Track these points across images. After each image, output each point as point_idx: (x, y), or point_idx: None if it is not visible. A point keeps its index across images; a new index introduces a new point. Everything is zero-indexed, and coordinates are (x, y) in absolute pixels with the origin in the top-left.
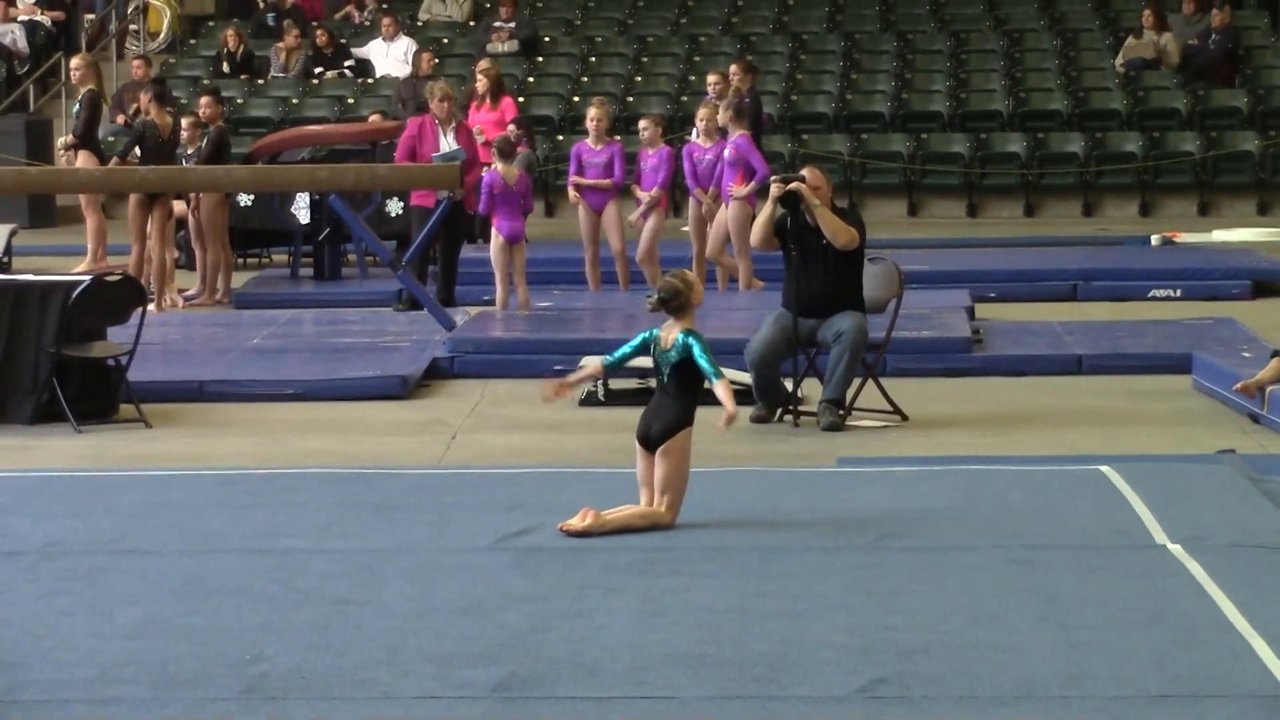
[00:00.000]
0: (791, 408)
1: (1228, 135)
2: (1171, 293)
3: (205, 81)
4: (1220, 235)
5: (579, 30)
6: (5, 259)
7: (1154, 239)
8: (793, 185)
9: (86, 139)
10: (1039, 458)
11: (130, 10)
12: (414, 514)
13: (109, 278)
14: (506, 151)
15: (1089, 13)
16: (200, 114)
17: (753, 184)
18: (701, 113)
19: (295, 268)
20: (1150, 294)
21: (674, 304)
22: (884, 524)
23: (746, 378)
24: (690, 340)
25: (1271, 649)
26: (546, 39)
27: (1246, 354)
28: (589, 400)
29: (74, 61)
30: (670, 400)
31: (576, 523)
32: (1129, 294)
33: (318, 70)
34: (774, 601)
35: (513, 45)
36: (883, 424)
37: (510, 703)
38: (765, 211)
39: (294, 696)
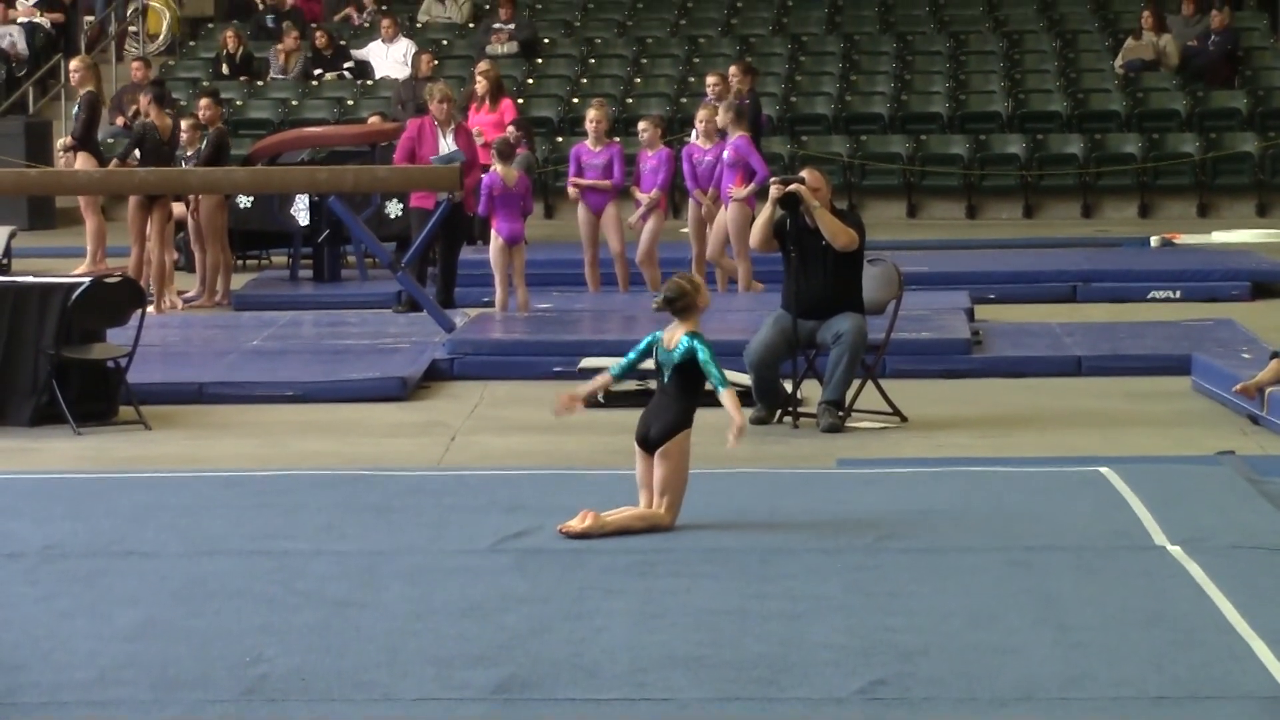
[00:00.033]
0: (791, 409)
1: (1227, 136)
2: (1171, 294)
3: (204, 83)
4: (1219, 237)
5: (578, 32)
6: (5, 261)
7: (1153, 240)
8: (792, 187)
9: (85, 141)
10: (1038, 459)
11: (129, 12)
12: (414, 516)
13: (108, 279)
14: (506, 153)
15: (1088, 14)
16: (200, 116)
17: (752, 185)
18: (701, 114)
19: (295, 269)
20: (1150, 295)
21: (679, 305)
22: (883, 525)
23: (746, 379)
24: (696, 344)
25: (1271, 650)
26: (546, 40)
27: (1246, 355)
28: (589, 402)
29: (73, 63)
30: (670, 401)
31: (576, 524)
32: (1128, 295)
33: (317, 72)
34: (773, 603)
35: (512, 47)
36: (882, 425)
37: (510, 704)
38: (765, 213)
39: (294, 698)
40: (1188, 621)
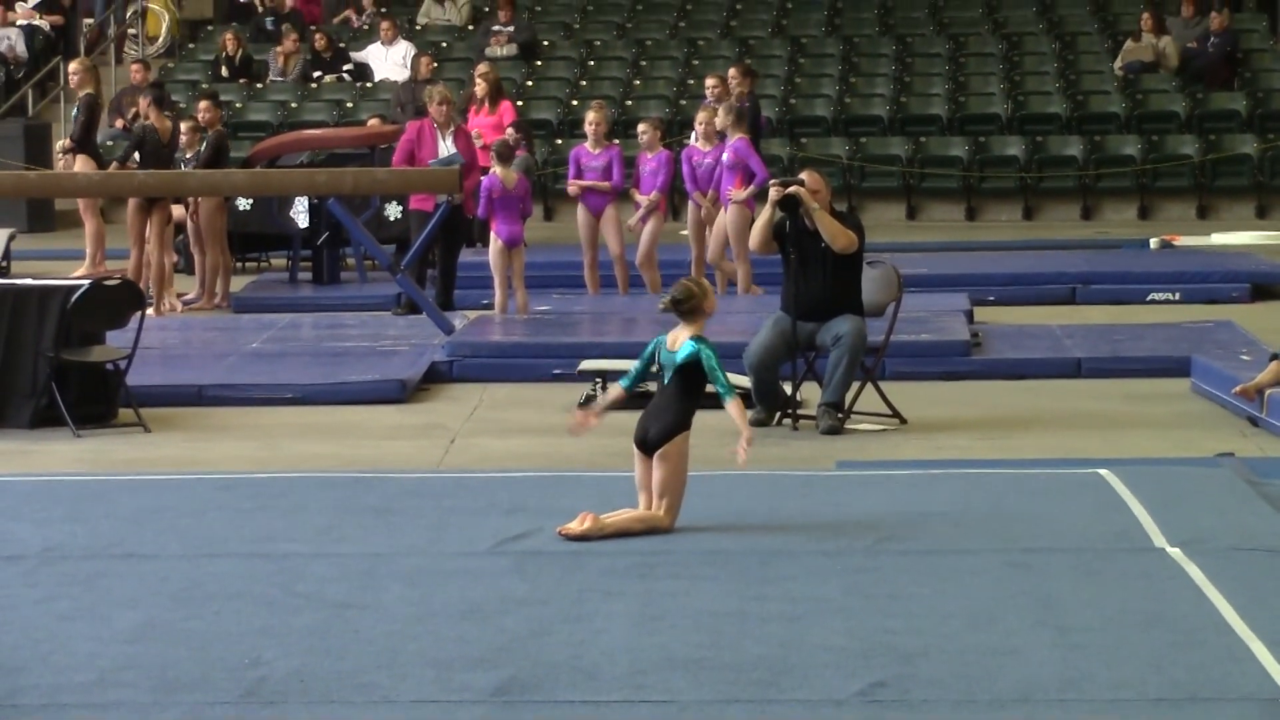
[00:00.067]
0: (790, 411)
1: (1226, 138)
2: (1170, 296)
3: (204, 85)
4: (1219, 238)
5: (577, 34)
6: (4, 263)
7: (1153, 242)
8: (791, 189)
9: (84, 143)
10: (1038, 461)
11: (129, 14)
12: (413, 518)
13: (108, 282)
14: (505, 155)
15: (1087, 16)
16: (199, 118)
17: (751, 187)
18: (700, 116)
19: (294, 272)
20: (1149, 297)
21: (685, 306)
22: (883, 527)
23: (745, 381)
24: (703, 350)
25: (1270, 652)
26: (545, 43)
27: (1245, 357)
28: (588, 404)
29: (72, 66)
30: (669, 403)
31: (575, 527)
32: (1128, 297)
33: (316, 74)
34: (773, 605)
35: (511, 49)
36: (882, 427)
37: (509, 706)
38: (764, 215)
39: (293, 700)
40: (1187, 623)
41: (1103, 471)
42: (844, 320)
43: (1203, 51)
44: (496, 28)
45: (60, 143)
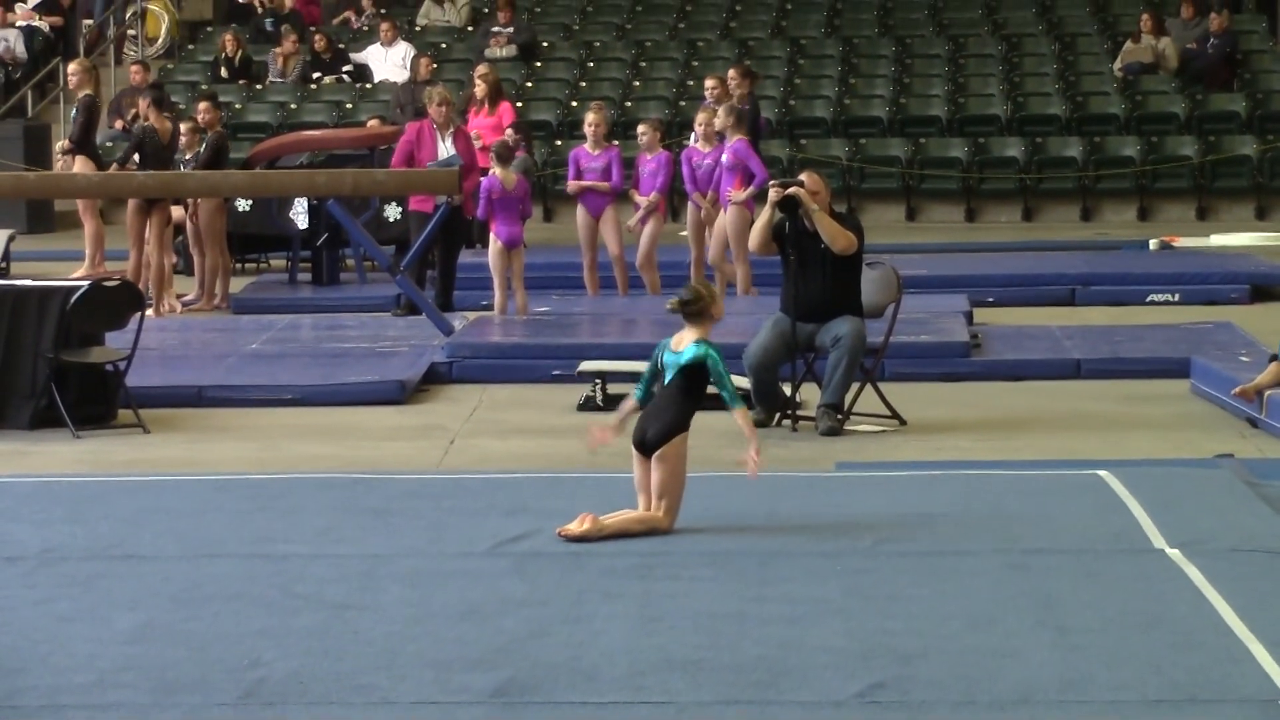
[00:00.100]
0: (790, 412)
1: (1226, 139)
2: (1170, 297)
3: (203, 87)
4: (1218, 239)
5: (577, 35)
6: (4, 264)
7: (1152, 243)
8: (791, 190)
9: (83, 144)
10: (1037, 462)
11: (128, 15)
12: (412, 519)
13: (107, 283)
14: (505, 156)
15: (1087, 17)
16: (199, 119)
17: (751, 189)
18: (700, 117)
19: (293, 273)
20: (1149, 298)
21: (692, 309)
22: (882, 529)
23: (745, 382)
24: (710, 353)
25: (1270, 653)
26: (545, 44)
27: (1245, 358)
28: (587, 405)
29: (71, 67)
30: (668, 404)
31: (574, 528)
32: (1127, 298)
33: (316, 75)
34: (772, 606)
35: (511, 50)
36: (881, 429)
37: (508, 708)
38: (764, 216)
39: (292, 702)
40: (1186, 624)
41: (1102, 473)
42: (843, 321)
43: (1202, 53)
44: (496, 29)
45: (59, 144)
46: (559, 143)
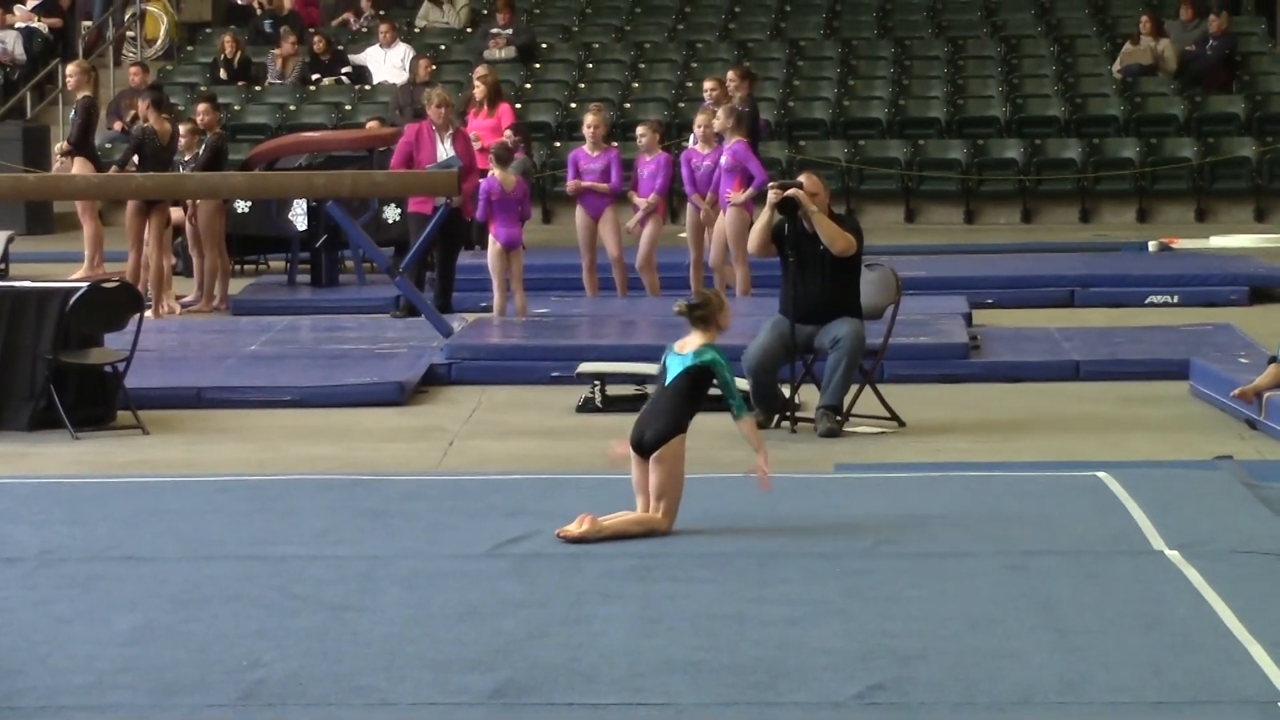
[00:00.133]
0: (789, 414)
1: (1225, 141)
2: (1169, 299)
3: (202, 88)
4: (1217, 241)
5: (576, 36)
6: (3, 265)
7: (1151, 245)
8: (790, 192)
9: (82, 146)
10: (1036, 464)
11: (127, 17)
12: (411, 520)
13: (106, 284)
14: (504, 158)
15: (1086, 19)
16: (198, 121)
17: (750, 190)
18: (699, 119)
19: (292, 274)
20: (1148, 300)
21: (699, 313)
22: (881, 530)
23: (744, 384)
24: (716, 361)
25: (1269, 654)
26: (544, 45)
27: (1244, 360)
28: (586, 407)
29: (69, 68)
30: (667, 405)
31: (573, 529)
32: (1126, 300)
33: (315, 77)
34: (771, 608)
35: (510, 51)
36: (880, 430)
37: (507, 709)
38: (763, 218)
39: (291, 703)
40: (1185, 626)
41: (1101, 474)
42: (842, 323)
43: (1201, 54)
44: (495, 30)
45: (58, 145)
46: (558, 144)
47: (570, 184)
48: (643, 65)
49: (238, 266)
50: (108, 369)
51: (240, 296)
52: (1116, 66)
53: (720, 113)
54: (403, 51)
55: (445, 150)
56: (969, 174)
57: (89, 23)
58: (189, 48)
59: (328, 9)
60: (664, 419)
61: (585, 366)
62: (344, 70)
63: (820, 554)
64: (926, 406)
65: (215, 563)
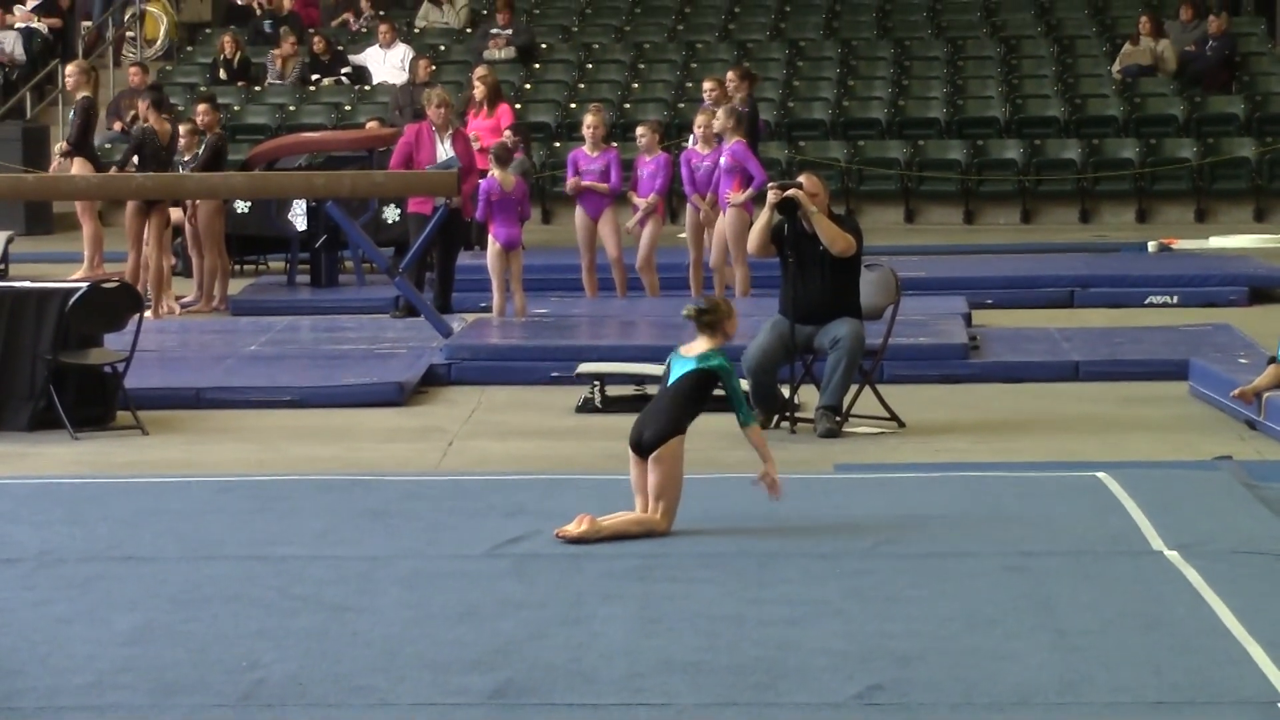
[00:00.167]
0: (788, 414)
1: (1224, 141)
2: (1168, 299)
3: (202, 88)
4: (1217, 241)
5: (576, 37)
6: (2, 266)
7: (1151, 245)
8: (790, 192)
9: (81, 146)
10: (1036, 464)
11: (127, 17)
12: (411, 521)
13: (106, 284)
14: (504, 158)
15: (1086, 19)
16: (198, 121)
17: (750, 190)
18: (699, 119)
19: (292, 274)
20: (1147, 300)
21: (706, 319)
22: (881, 530)
23: (744, 384)
24: (723, 367)
25: (1268, 655)
26: (543, 45)
27: (1243, 360)
28: (586, 407)
29: (68, 68)
30: (667, 406)
31: (572, 529)
32: (1126, 300)
33: (315, 77)
34: (771, 608)
35: (510, 52)
36: (880, 430)
37: (507, 709)
38: (762, 218)
39: (291, 703)
40: (1185, 626)
41: (1100, 474)
42: (842, 323)
43: (1201, 55)
44: (495, 30)
45: (57, 146)
46: (557, 144)
47: (570, 182)
48: (642, 66)
49: (237, 267)
50: (107, 369)
51: (240, 297)
52: (1116, 67)
53: (720, 113)
54: (402, 52)
55: (445, 151)
56: (968, 174)
57: (88, 23)
58: (189, 48)
59: (327, 9)
60: (664, 419)
61: (585, 367)
62: (344, 70)
63: (820, 554)
64: (926, 407)
65: (215, 563)
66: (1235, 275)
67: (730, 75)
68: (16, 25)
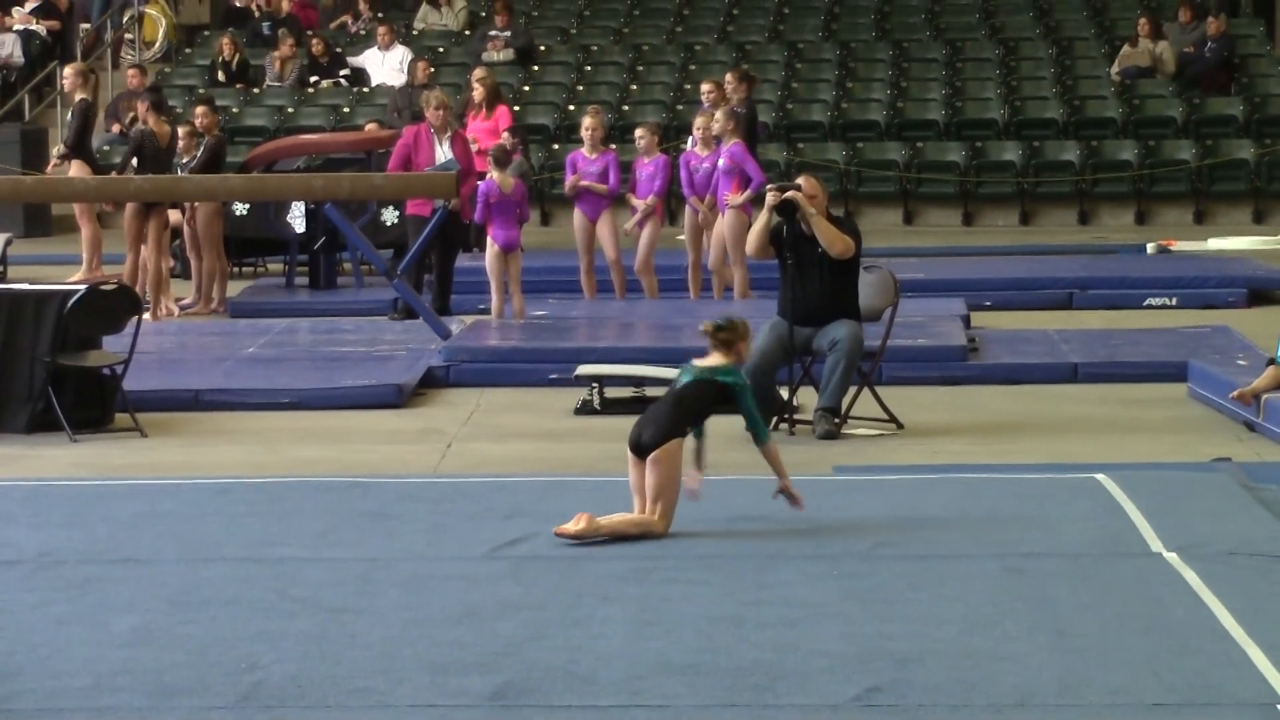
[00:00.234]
0: (787, 416)
1: (1223, 143)
2: (1167, 301)
3: (200, 91)
4: (1216, 243)
5: (574, 39)
6: (1, 268)
7: (1149, 247)
8: (788, 194)
9: (79, 148)
10: (1034, 466)
11: (126, 19)
12: (409, 522)
13: (104, 286)
14: (502, 160)
15: (1084, 21)
16: (196, 123)
17: (748, 192)
18: (698, 121)
19: (290, 277)
20: (1146, 302)
21: (721, 336)
22: (879, 532)
23: None
24: (739, 384)
25: (1267, 657)
26: (542, 47)
27: (1242, 362)
28: (585, 409)
29: (66, 70)
30: (669, 408)
31: (571, 527)
32: (1125, 302)
33: (313, 79)
34: (769, 610)
35: (508, 54)
36: (878, 432)
37: (506, 711)
38: (761, 220)
39: (290, 705)
40: (1184, 628)
41: (1099, 476)
42: (841, 325)
43: (1200, 56)
44: (493, 33)
45: (55, 148)
46: (556, 146)
47: (569, 181)
48: (641, 68)
49: (236, 269)
50: (106, 371)
51: (238, 299)
52: (1115, 68)
53: (718, 115)
54: (401, 54)
55: (443, 152)
56: (967, 176)
57: (87, 25)
58: (187, 50)
59: (326, 11)
60: (664, 421)
61: (583, 369)
62: (342, 73)
63: (818, 556)
64: (925, 409)
65: (214, 565)
66: (1234, 277)
67: (729, 77)
68: (15, 27)
